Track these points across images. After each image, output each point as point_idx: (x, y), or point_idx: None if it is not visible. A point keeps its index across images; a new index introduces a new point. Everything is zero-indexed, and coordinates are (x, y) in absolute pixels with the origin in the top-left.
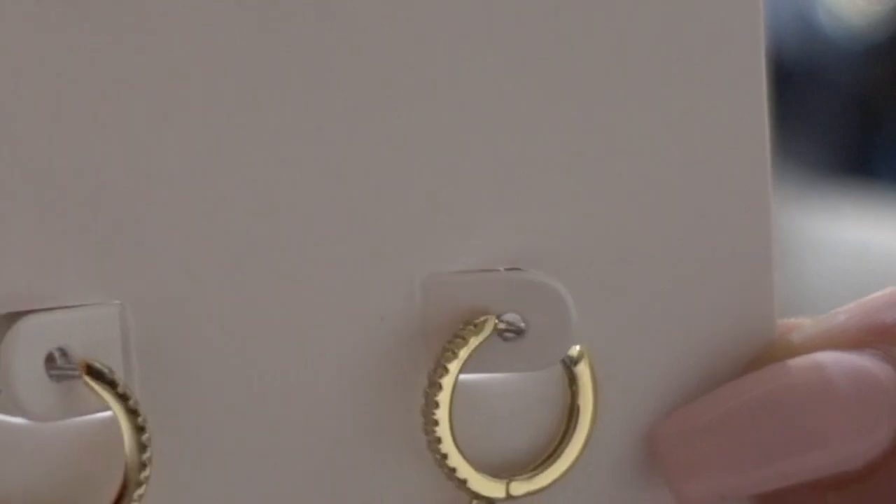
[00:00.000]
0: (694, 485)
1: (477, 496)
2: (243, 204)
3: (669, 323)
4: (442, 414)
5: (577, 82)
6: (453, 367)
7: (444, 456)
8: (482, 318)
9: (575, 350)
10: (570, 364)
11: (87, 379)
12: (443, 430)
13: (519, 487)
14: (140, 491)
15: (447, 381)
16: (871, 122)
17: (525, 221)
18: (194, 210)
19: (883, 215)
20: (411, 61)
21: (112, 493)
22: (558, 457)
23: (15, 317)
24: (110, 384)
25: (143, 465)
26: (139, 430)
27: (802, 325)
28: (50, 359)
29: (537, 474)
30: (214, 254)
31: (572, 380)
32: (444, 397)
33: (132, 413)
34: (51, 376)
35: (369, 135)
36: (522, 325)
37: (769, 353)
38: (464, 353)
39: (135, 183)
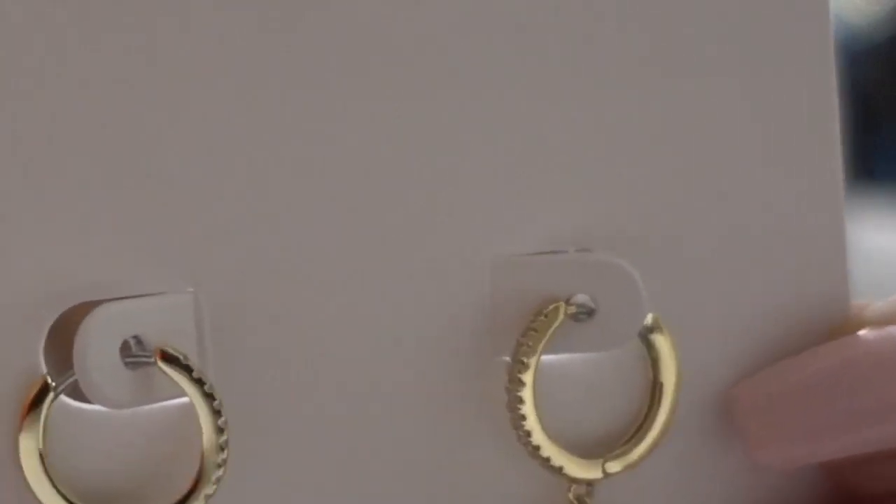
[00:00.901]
0: (771, 450)
1: (575, 480)
2: (313, 191)
3: (745, 298)
4: (528, 408)
5: (647, 64)
6: (532, 361)
7: (536, 448)
8: (552, 307)
9: (649, 319)
10: (645, 334)
11: (162, 365)
12: (531, 424)
13: (614, 465)
14: (219, 473)
15: (528, 377)
16: (871, 122)
17: (593, 202)
18: (265, 199)
19: (883, 216)
20: (481, 41)
21: (189, 477)
22: (648, 428)
23: (90, 306)
24: (185, 369)
25: (220, 448)
26: (216, 413)
27: (873, 303)
28: (125, 347)
29: (629, 449)
30: (285, 240)
31: (650, 348)
32: (527, 392)
33: (208, 397)
34: (126, 364)
35: (438, 120)
36: (593, 305)
37: (844, 327)
38: (541, 346)
39: (206, 174)
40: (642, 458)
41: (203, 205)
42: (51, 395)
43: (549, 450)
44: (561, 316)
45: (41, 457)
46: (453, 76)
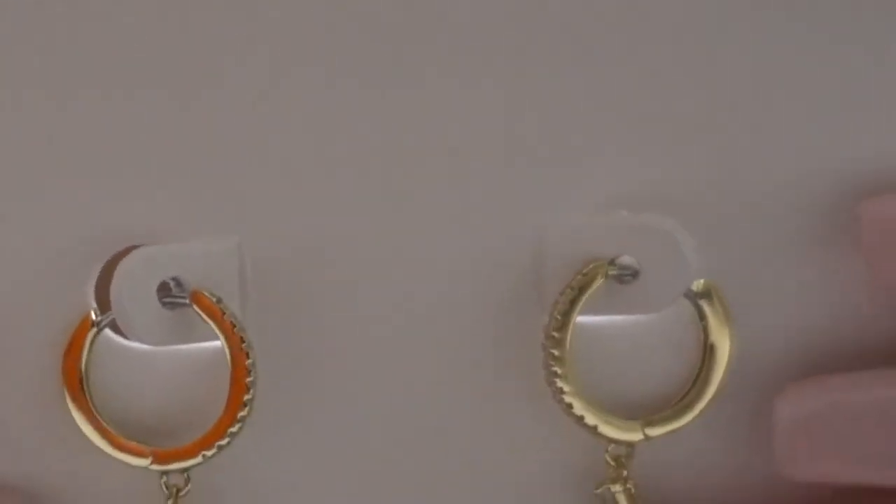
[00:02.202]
0: (800, 470)
1: (611, 440)
2: (361, 147)
3: (807, 274)
4: (561, 366)
5: (696, 33)
6: (568, 318)
7: (569, 405)
8: (592, 265)
9: (700, 284)
10: (696, 300)
11: (196, 307)
12: (563, 381)
13: (656, 429)
14: (243, 413)
15: (562, 333)
16: None
17: (646, 166)
18: (311, 151)
19: None
20: (530, 6)
21: (217, 415)
22: (697, 393)
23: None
24: (218, 312)
25: (246, 388)
26: (244, 355)
27: None
28: (164, 287)
29: (675, 413)
30: (329, 197)
31: (702, 315)
32: (561, 349)
33: (238, 339)
34: (164, 304)
35: (493, 86)
36: (637, 267)
37: None
38: (576, 303)
39: (251, 125)
40: (689, 423)
41: (252, 161)
42: (94, 329)
43: (582, 408)
44: (600, 275)
45: (82, 383)
46: (507, 42)
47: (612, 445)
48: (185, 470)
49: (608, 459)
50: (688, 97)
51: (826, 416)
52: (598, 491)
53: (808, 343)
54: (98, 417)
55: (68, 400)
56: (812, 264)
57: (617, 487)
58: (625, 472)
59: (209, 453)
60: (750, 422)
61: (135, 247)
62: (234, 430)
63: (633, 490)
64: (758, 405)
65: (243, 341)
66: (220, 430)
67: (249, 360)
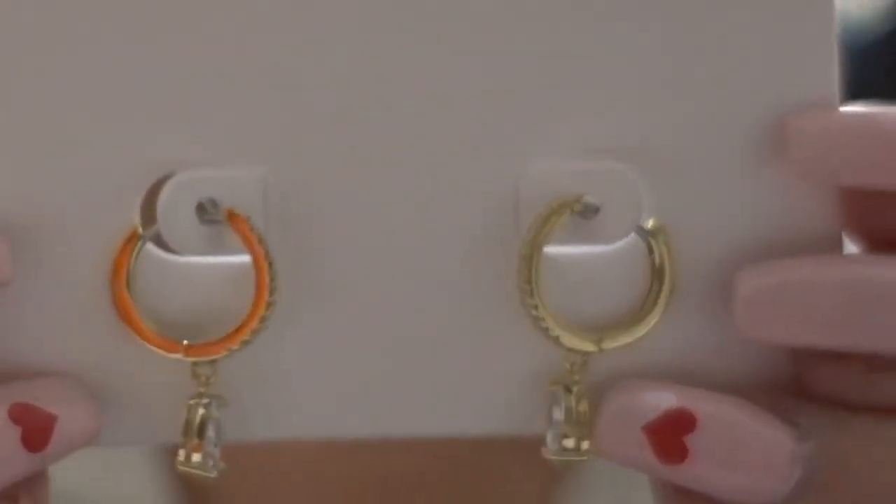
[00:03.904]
0: (763, 333)
1: (571, 350)
2: (370, 90)
3: (743, 202)
4: (532, 283)
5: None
6: (538, 242)
7: (537, 318)
8: (559, 202)
9: (651, 222)
10: (647, 236)
11: (228, 224)
12: (534, 297)
13: (609, 342)
14: (265, 314)
15: (534, 255)
16: None
17: (607, 119)
18: (329, 92)
19: None
20: None
21: (242, 316)
22: (645, 315)
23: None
24: (247, 228)
25: (269, 293)
26: (268, 265)
27: None
28: (201, 206)
29: (626, 329)
30: (346, 135)
31: (651, 249)
32: (532, 268)
33: (263, 251)
34: (201, 220)
35: (479, 37)
36: (598, 205)
37: None
38: (546, 231)
39: (278, 65)
40: (638, 339)
41: (281, 98)
42: (139, 241)
43: (548, 321)
44: (566, 208)
45: (126, 287)
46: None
47: (571, 354)
48: (213, 362)
49: (566, 366)
50: (640, 64)
51: (779, 288)
52: (552, 388)
53: (748, 253)
54: (139, 317)
55: (114, 301)
56: (744, 191)
57: (565, 387)
58: (576, 377)
59: (235, 347)
60: (700, 324)
61: (175, 173)
62: (256, 328)
63: (580, 390)
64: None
65: (267, 254)
66: (245, 329)
67: (272, 270)
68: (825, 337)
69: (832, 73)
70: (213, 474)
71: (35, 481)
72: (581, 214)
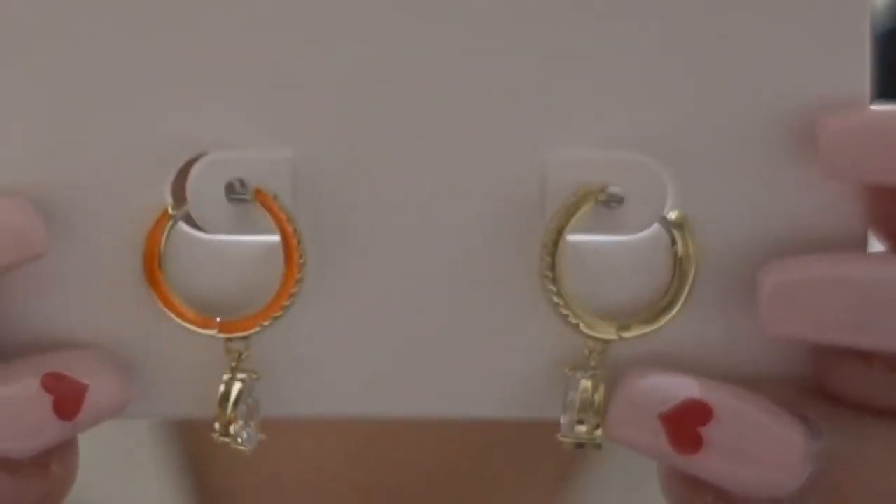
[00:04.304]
0: (786, 328)
1: (590, 338)
2: (399, 75)
3: (768, 197)
4: (555, 270)
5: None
6: (561, 230)
7: (558, 305)
8: (584, 191)
9: (674, 214)
10: (670, 227)
11: (257, 203)
12: (555, 284)
13: (629, 332)
14: (295, 290)
15: (557, 243)
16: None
17: (634, 110)
18: (358, 77)
19: None
20: None
21: (272, 294)
22: (666, 306)
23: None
24: (275, 207)
25: (298, 269)
26: (297, 242)
27: None
28: (230, 186)
29: (647, 320)
30: (372, 118)
31: (674, 240)
32: (555, 256)
33: (291, 230)
34: (230, 199)
35: (509, 25)
36: (622, 195)
37: None
38: (570, 219)
39: (306, 51)
40: (657, 329)
41: (307, 82)
42: (170, 220)
43: (567, 309)
44: (590, 199)
45: (159, 266)
46: None
47: (591, 342)
48: (246, 337)
49: (585, 353)
50: (668, 56)
51: (804, 284)
52: (569, 373)
53: (771, 249)
54: (172, 295)
55: (147, 279)
56: (770, 186)
57: (584, 373)
58: (594, 364)
59: (266, 323)
60: (719, 318)
61: (205, 153)
62: (287, 304)
63: (598, 377)
64: (722, 313)
65: (296, 231)
66: (276, 305)
67: (301, 246)
68: (847, 335)
69: (864, 71)
70: (250, 448)
71: (65, 448)
72: (605, 204)
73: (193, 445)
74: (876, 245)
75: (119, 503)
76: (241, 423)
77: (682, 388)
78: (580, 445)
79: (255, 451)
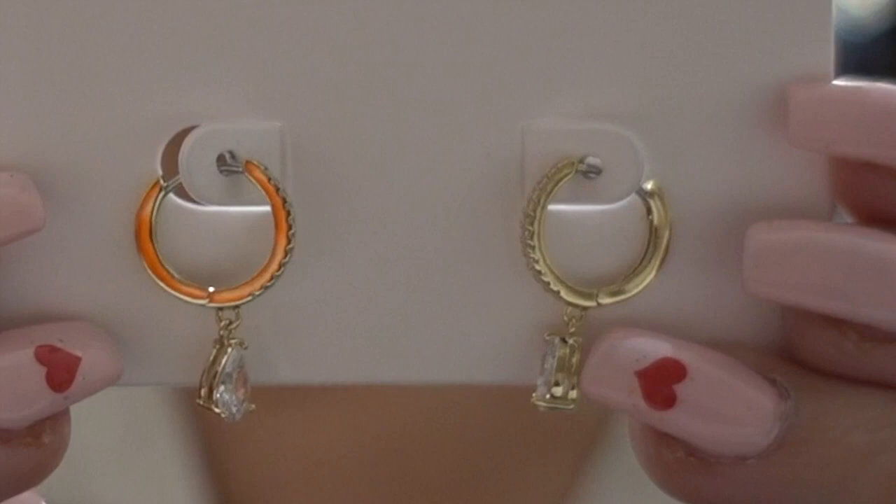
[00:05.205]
0: (765, 289)
1: (570, 304)
2: (382, 48)
3: (739, 168)
4: (536, 239)
5: None
6: (542, 200)
7: (539, 272)
8: (564, 162)
9: (650, 184)
10: (646, 197)
11: (247, 174)
12: (536, 252)
13: (607, 298)
14: (284, 260)
15: (538, 212)
16: None
17: (611, 83)
18: (344, 49)
19: None
20: None
21: (262, 263)
22: (641, 272)
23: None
24: (265, 178)
25: (288, 240)
26: (286, 213)
27: None
28: (221, 158)
29: (623, 286)
30: (356, 89)
31: (650, 210)
32: (536, 226)
33: (281, 200)
34: (221, 171)
35: (490, 4)
36: (601, 166)
37: None
38: (550, 189)
39: (294, 23)
40: (633, 295)
41: (294, 54)
42: (161, 191)
43: (549, 276)
44: (571, 169)
45: (150, 236)
46: None
47: (570, 308)
48: (237, 307)
49: (564, 319)
50: (644, 30)
51: (786, 247)
52: (547, 337)
53: (743, 217)
54: (163, 265)
55: (139, 249)
56: (741, 157)
57: (562, 338)
58: (572, 329)
59: (257, 293)
60: (693, 283)
61: (195, 126)
62: (277, 273)
63: (575, 343)
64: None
65: (285, 201)
66: (266, 274)
67: (290, 217)
68: (825, 301)
69: (828, 44)
70: (238, 416)
71: (58, 418)
72: (584, 174)
73: (209, 435)
74: (843, 217)
75: (133, 495)
76: (224, 388)
77: (658, 347)
78: (553, 408)
79: (274, 446)
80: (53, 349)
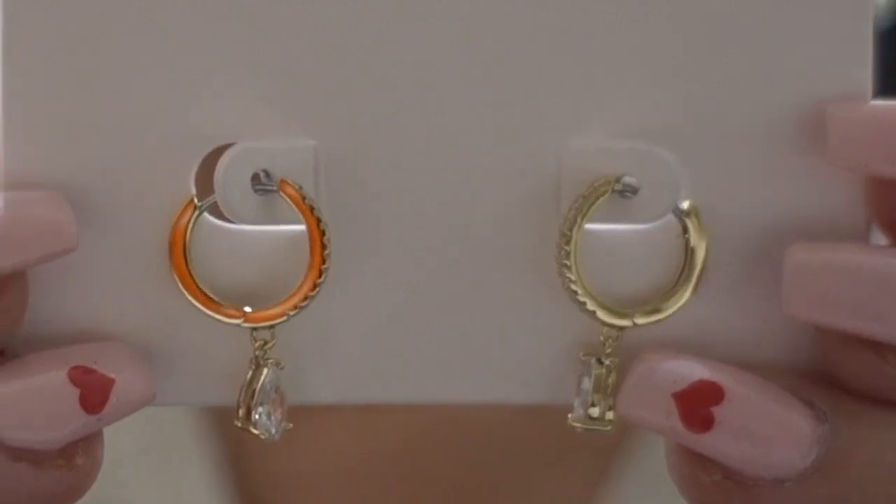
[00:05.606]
0: (805, 310)
1: (606, 324)
2: (418, 66)
3: (776, 188)
4: (572, 259)
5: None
6: (579, 220)
7: (575, 293)
8: (600, 181)
9: (686, 203)
10: (682, 216)
11: (282, 193)
12: (572, 272)
13: (643, 318)
14: (320, 280)
15: (574, 232)
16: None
17: (648, 102)
18: (379, 68)
19: None
20: None
21: (296, 283)
22: (678, 292)
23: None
24: (300, 197)
25: (323, 260)
26: (321, 232)
27: None
28: (255, 177)
29: (659, 306)
30: (392, 108)
31: (685, 229)
32: (572, 245)
33: (316, 220)
34: (255, 190)
35: (525, 16)
36: (637, 185)
37: None
38: (587, 209)
39: (328, 42)
40: (669, 315)
41: (328, 73)
42: (195, 211)
43: (585, 296)
44: (608, 189)
45: (185, 256)
46: None
47: (606, 328)
48: (272, 327)
49: (601, 339)
50: (682, 49)
51: (825, 268)
52: (583, 357)
53: (779, 237)
54: (197, 285)
55: (174, 270)
56: (777, 176)
57: (598, 359)
58: (609, 350)
59: (292, 313)
60: (729, 303)
61: (230, 144)
62: (312, 294)
63: (611, 363)
64: (736, 291)
65: (321, 221)
66: (301, 295)
67: (325, 237)
68: (865, 323)
69: (866, 64)
70: (276, 436)
71: (91, 440)
72: (620, 194)
73: (227, 437)
74: (878, 238)
75: (154, 494)
76: (262, 409)
77: (695, 369)
78: (591, 429)
79: (292, 447)
80: (87, 370)
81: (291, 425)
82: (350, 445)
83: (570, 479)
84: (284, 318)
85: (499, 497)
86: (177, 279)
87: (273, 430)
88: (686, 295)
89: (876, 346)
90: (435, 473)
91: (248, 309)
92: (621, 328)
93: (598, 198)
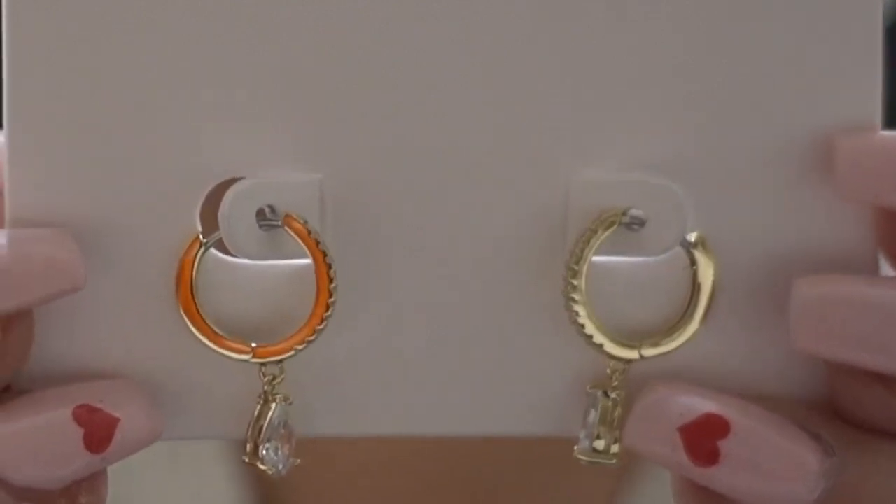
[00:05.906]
0: (813, 344)
1: (613, 357)
2: (424, 99)
3: (784, 219)
4: (577, 293)
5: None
6: (586, 253)
7: (582, 326)
8: (607, 214)
9: (693, 236)
10: (689, 248)
11: (287, 228)
12: (579, 306)
13: (650, 350)
14: (327, 314)
15: (581, 266)
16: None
17: (656, 134)
18: (384, 102)
19: None
20: None
21: (304, 318)
22: (685, 325)
23: (238, 181)
24: (305, 232)
25: (329, 294)
26: (327, 266)
27: None
28: (260, 213)
29: (666, 339)
30: (396, 141)
31: (693, 261)
32: (578, 279)
33: (322, 254)
34: (260, 226)
35: (532, 49)
36: (645, 218)
37: None
38: (594, 242)
39: (333, 76)
40: (676, 348)
41: (331, 108)
42: (201, 247)
43: (592, 329)
44: (615, 221)
45: (191, 292)
46: (545, 9)
47: (613, 361)
48: (280, 362)
49: (608, 372)
50: (688, 83)
51: (831, 302)
52: (590, 390)
53: (787, 269)
54: (204, 321)
55: (181, 305)
56: (785, 208)
57: (604, 392)
58: (615, 383)
59: (300, 347)
60: (736, 336)
61: (234, 180)
62: (320, 328)
63: (618, 397)
64: (736, 332)
65: (327, 255)
66: (309, 329)
67: (332, 270)
68: (873, 357)
69: (875, 94)
70: (284, 472)
71: (95, 480)
72: (627, 226)
73: None
74: (887, 269)
75: (177, 496)
76: (270, 445)
77: (701, 402)
78: (595, 462)
79: (315, 450)
80: (92, 409)
81: (299, 461)
82: (370, 447)
83: (586, 479)
84: (292, 352)
85: (514, 499)
86: (184, 315)
87: (280, 466)
88: (693, 327)
89: (884, 379)
90: (455, 475)
91: (254, 344)
92: (628, 361)
93: (605, 230)
